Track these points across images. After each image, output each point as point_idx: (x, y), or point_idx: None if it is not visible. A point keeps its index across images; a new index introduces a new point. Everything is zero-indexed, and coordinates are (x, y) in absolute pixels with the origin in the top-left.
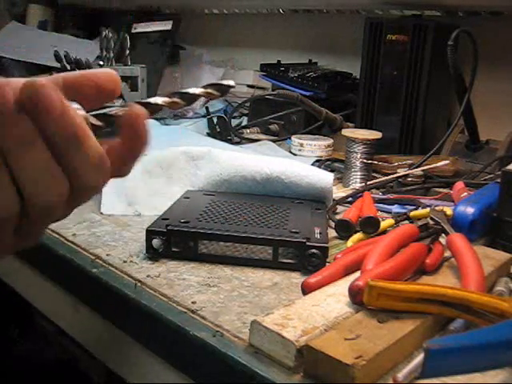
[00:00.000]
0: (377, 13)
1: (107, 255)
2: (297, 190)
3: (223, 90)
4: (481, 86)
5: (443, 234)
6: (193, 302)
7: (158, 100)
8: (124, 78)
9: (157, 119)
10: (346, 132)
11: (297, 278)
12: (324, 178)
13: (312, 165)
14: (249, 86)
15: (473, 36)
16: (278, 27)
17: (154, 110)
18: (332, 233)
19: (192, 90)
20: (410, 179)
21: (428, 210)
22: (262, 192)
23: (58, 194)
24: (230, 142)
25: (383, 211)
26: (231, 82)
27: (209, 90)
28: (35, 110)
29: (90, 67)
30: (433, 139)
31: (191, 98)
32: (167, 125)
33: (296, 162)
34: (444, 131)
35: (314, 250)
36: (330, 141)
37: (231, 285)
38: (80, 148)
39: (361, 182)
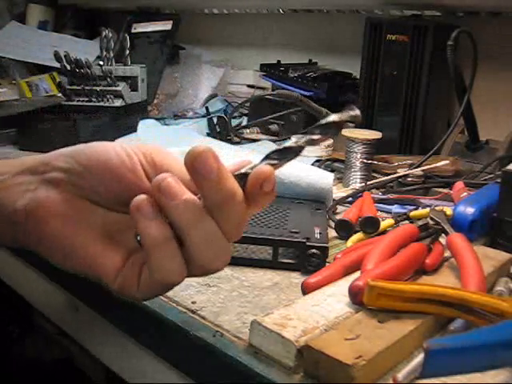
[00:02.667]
0: (377, 13)
1: None
2: (297, 190)
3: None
4: (481, 86)
5: (443, 234)
6: (193, 302)
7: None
8: (124, 78)
9: (157, 119)
10: (345, 132)
11: (297, 278)
12: (324, 177)
13: (312, 165)
14: (249, 85)
15: (473, 36)
16: (278, 27)
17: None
18: (332, 233)
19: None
20: (410, 179)
21: (428, 210)
22: None
23: (225, 260)
24: (230, 142)
25: (383, 211)
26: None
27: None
28: (197, 175)
29: (90, 67)
30: (433, 139)
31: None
32: (167, 125)
33: (296, 162)
34: (444, 131)
35: (313, 250)
36: (330, 141)
37: (231, 285)
38: (228, 214)
39: (361, 182)
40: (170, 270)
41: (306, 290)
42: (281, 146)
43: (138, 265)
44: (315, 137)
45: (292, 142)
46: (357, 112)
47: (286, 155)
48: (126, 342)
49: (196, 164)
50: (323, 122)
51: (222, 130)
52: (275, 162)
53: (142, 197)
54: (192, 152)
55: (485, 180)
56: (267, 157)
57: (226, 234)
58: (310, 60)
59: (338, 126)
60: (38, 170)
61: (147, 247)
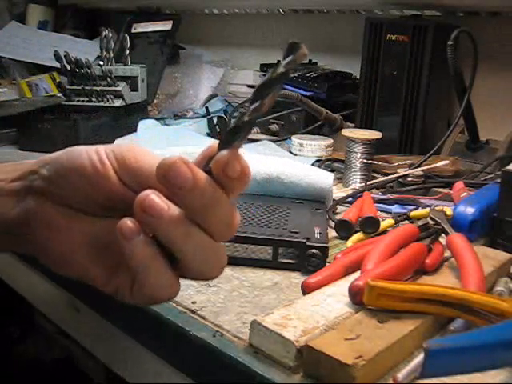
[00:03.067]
0: (377, 13)
1: None
2: (297, 190)
3: None
4: (481, 85)
5: (443, 234)
6: (193, 302)
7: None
8: (124, 78)
9: (157, 119)
10: (345, 132)
11: (297, 278)
12: (324, 177)
13: (312, 165)
14: (249, 86)
15: (473, 36)
16: (278, 27)
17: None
18: (332, 233)
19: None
20: (410, 179)
21: (428, 210)
22: (262, 192)
23: (222, 266)
24: None
25: (383, 211)
26: None
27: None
28: (173, 187)
29: (90, 67)
30: (433, 139)
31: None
32: (167, 125)
33: (296, 162)
34: (444, 131)
35: (313, 250)
36: (330, 141)
37: (231, 285)
38: (215, 217)
39: (361, 182)
40: (159, 287)
41: (306, 289)
42: (230, 126)
43: (130, 273)
44: (262, 103)
45: (241, 116)
46: (303, 50)
47: (237, 133)
48: (126, 342)
49: (169, 176)
50: (270, 76)
51: (222, 130)
52: (231, 144)
53: (125, 220)
54: (162, 165)
55: (485, 180)
56: (222, 142)
57: (221, 237)
58: (310, 60)
59: (286, 77)
60: (28, 177)
61: (134, 267)
